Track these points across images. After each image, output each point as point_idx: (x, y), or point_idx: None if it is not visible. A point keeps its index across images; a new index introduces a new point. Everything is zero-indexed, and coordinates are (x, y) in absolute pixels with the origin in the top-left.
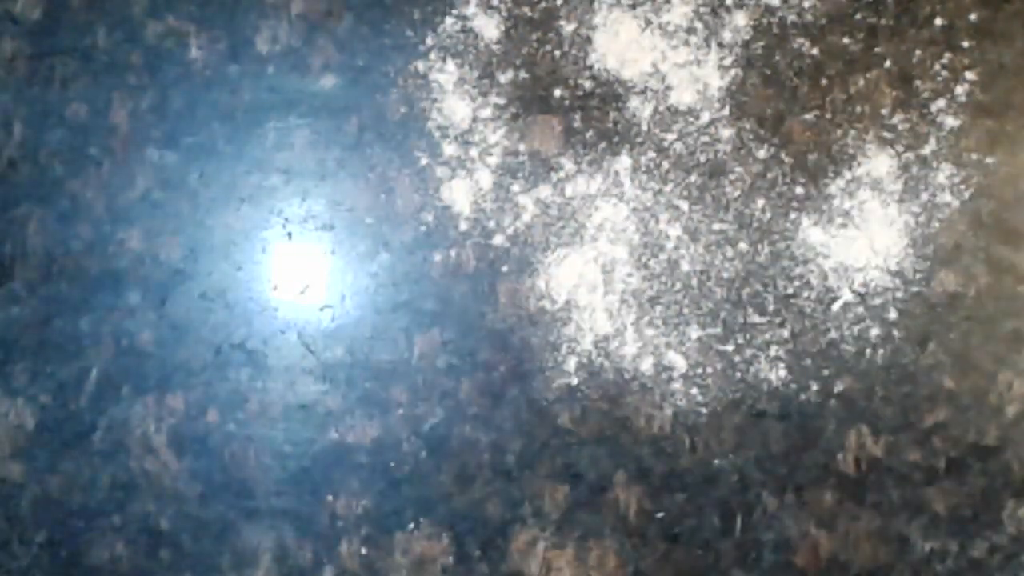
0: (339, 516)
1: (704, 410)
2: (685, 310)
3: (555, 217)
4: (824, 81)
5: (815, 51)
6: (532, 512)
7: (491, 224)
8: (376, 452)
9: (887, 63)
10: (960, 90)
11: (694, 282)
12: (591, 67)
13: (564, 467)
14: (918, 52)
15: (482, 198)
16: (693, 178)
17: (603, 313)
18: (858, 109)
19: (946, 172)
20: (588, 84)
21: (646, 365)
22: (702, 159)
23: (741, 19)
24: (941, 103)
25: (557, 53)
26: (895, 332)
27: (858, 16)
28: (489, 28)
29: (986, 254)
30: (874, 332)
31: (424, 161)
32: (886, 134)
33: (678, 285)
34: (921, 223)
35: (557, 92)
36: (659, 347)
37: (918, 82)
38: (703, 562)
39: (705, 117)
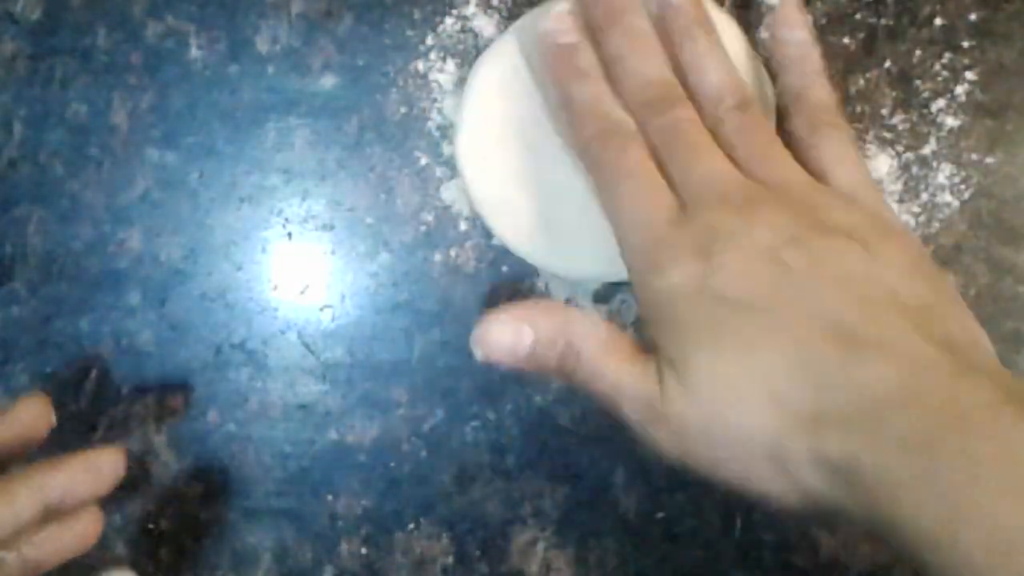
0: (339, 516)
1: None
2: None
3: None
4: None
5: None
6: (532, 512)
7: None
8: (376, 452)
9: (887, 63)
10: (960, 90)
11: None
12: None
13: (564, 467)
14: (918, 52)
15: None
16: None
17: (603, 313)
18: (858, 109)
19: (946, 172)
20: None
21: None
22: None
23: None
24: (941, 103)
25: None
26: None
27: (858, 16)
28: (489, 28)
29: (986, 254)
30: None
31: (424, 161)
32: (886, 134)
33: None
34: (921, 223)
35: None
36: None
37: (918, 82)
38: (703, 562)
39: None
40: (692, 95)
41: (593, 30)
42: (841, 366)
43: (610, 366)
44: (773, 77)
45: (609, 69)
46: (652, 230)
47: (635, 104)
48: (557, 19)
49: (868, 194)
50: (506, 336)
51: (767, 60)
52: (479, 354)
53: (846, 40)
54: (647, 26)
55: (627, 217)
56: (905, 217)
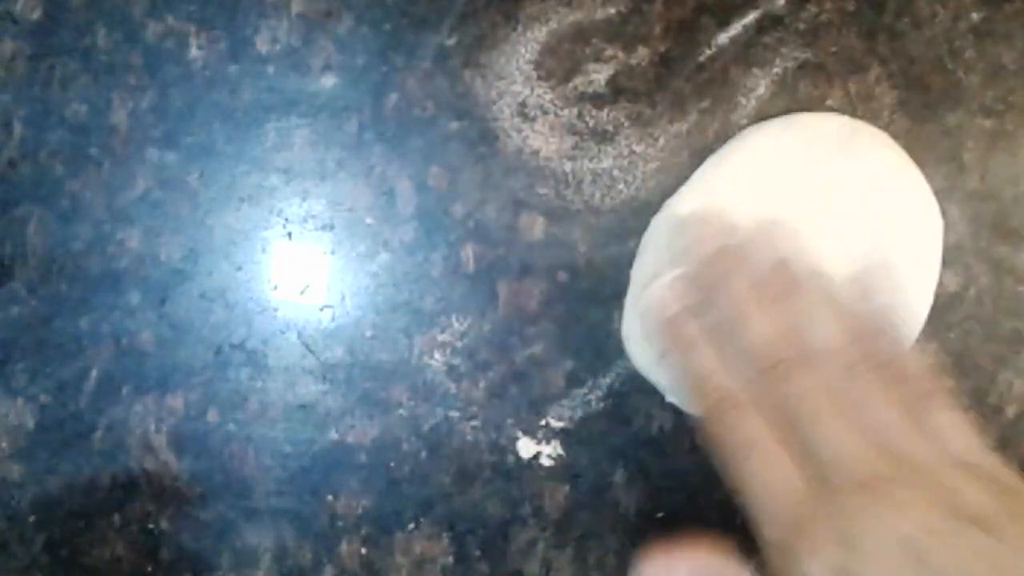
0: (339, 516)
1: None
2: None
3: None
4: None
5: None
6: (532, 512)
7: None
8: (376, 452)
9: (887, 63)
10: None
11: None
12: None
13: (564, 467)
14: (918, 52)
15: None
16: None
17: None
18: (858, 109)
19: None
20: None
21: None
22: None
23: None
24: None
25: None
26: None
27: (858, 16)
28: None
29: (986, 254)
30: None
31: None
32: None
33: None
34: None
35: None
36: None
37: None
38: None
39: None
40: (815, 350)
41: (704, 294)
42: None
43: None
44: None
45: (718, 335)
46: (785, 509)
47: (751, 370)
48: (660, 289)
49: (986, 459)
50: None
51: None
52: None
53: (846, 40)
54: (754, 292)
55: (757, 492)
56: None
